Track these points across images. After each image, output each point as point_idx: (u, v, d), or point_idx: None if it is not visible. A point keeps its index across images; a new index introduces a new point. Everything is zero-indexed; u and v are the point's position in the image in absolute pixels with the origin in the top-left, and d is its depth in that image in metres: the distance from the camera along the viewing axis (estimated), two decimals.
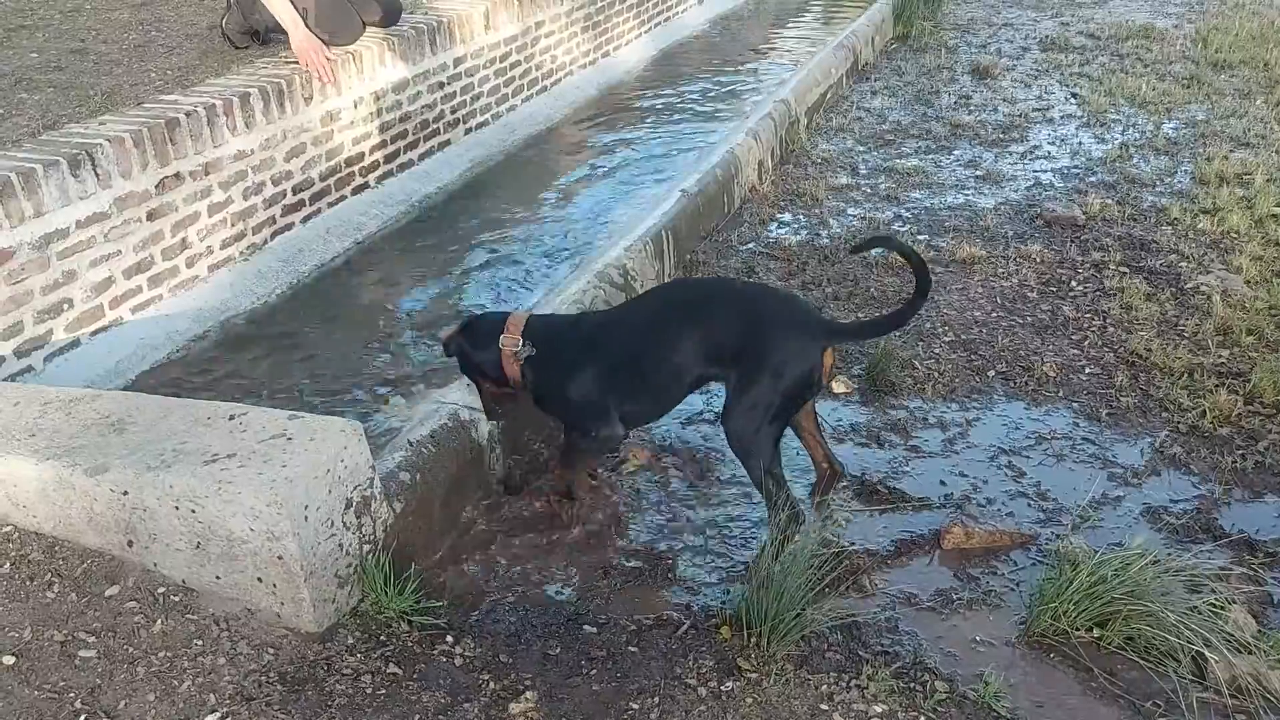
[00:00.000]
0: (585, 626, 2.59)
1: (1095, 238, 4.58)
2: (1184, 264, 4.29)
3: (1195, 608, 2.40)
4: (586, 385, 2.87)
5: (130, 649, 2.37)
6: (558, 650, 2.50)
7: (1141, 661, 2.40)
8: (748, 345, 2.72)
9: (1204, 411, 3.35)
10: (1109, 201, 4.92)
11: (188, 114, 3.83)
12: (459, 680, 2.39)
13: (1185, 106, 6.23)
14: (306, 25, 4.45)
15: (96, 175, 3.50)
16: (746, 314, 2.77)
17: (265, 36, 4.68)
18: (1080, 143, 5.77)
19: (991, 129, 5.99)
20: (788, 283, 4.30)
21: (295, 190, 4.42)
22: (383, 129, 4.90)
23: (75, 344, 3.53)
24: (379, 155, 4.92)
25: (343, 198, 4.71)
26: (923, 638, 2.51)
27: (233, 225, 4.12)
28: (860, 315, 4.02)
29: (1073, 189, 5.13)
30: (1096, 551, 2.54)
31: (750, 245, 4.66)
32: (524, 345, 2.91)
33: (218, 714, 2.23)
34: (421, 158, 5.22)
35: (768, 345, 2.71)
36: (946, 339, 3.86)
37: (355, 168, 4.77)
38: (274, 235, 4.35)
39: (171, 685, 2.29)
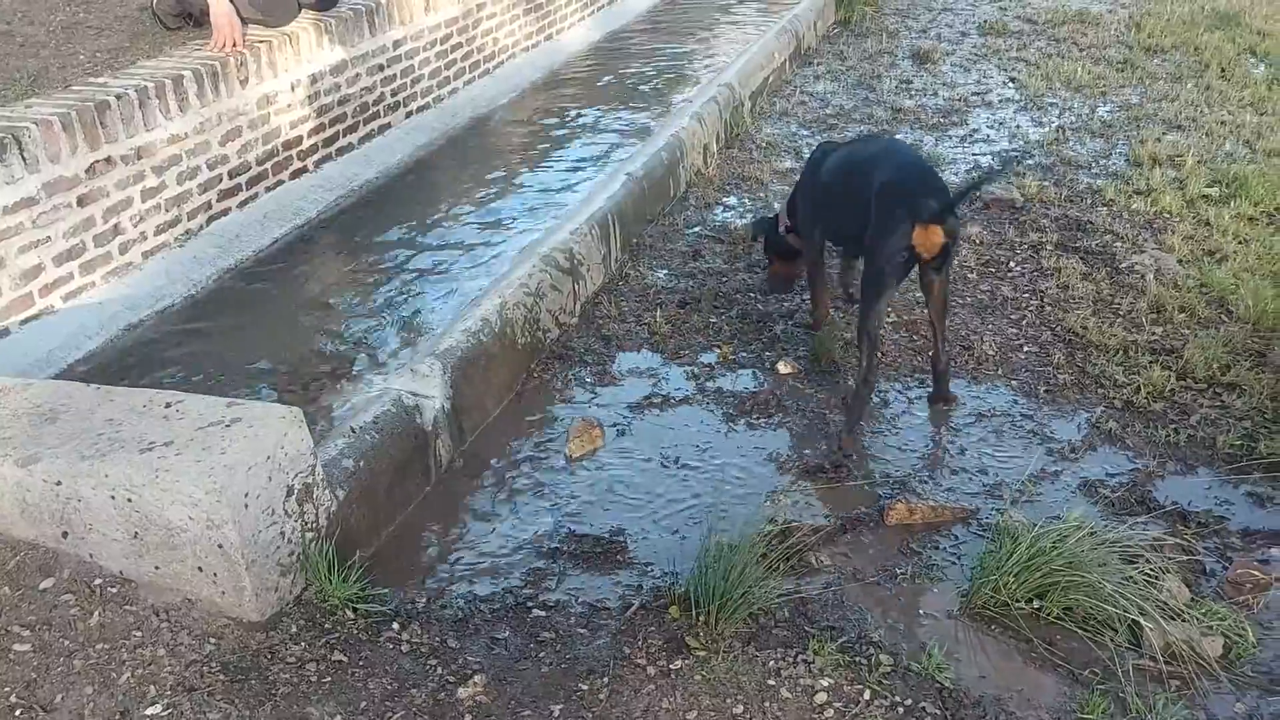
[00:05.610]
0: (534, 609, 2.58)
1: (1033, 219, 4.65)
2: (1119, 244, 4.38)
3: (1131, 578, 2.46)
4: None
5: (66, 642, 2.32)
6: (506, 634, 2.49)
7: (1079, 631, 2.46)
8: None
9: (1138, 387, 3.42)
10: (1046, 184, 5.00)
11: (118, 97, 3.73)
12: (405, 666, 2.37)
13: (1119, 90, 6.35)
14: (240, 6, 4.37)
15: (24, 159, 3.40)
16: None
17: (199, 18, 4.57)
18: (1018, 126, 5.85)
19: (932, 113, 6.05)
20: (733, 266, 4.32)
21: (231, 175, 4.34)
22: (320, 112, 4.82)
23: (4, 333, 3.44)
24: (317, 139, 4.84)
25: (280, 182, 4.63)
26: (868, 612, 2.55)
27: (167, 211, 4.03)
28: (805, 298, 4.05)
29: (1011, 171, 5.20)
30: (1035, 525, 2.58)
31: (696, 229, 4.67)
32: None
33: (158, 706, 2.19)
34: (361, 141, 5.15)
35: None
36: (889, 320, 3.90)
37: (293, 151, 4.69)
38: (210, 221, 4.26)
39: (110, 678, 2.25)
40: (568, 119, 5.84)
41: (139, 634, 2.35)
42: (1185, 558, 2.70)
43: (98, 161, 3.68)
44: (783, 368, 3.62)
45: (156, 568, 2.43)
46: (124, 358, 3.58)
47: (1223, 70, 6.60)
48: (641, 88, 6.36)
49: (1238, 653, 2.42)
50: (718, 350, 3.74)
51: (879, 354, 3.36)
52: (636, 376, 3.61)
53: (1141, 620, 2.39)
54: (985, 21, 7.94)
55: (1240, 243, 4.32)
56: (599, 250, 4.15)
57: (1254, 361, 3.53)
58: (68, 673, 2.25)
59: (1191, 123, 5.74)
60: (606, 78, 6.57)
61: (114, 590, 2.44)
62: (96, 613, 2.39)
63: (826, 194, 3.58)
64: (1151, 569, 2.52)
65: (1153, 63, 6.85)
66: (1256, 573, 2.63)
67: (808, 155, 4.00)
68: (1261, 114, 5.82)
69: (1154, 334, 3.73)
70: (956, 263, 4.31)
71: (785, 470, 3.13)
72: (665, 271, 4.30)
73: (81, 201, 3.64)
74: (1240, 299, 3.85)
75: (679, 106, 5.71)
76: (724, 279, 4.22)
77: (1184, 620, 2.43)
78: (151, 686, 2.23)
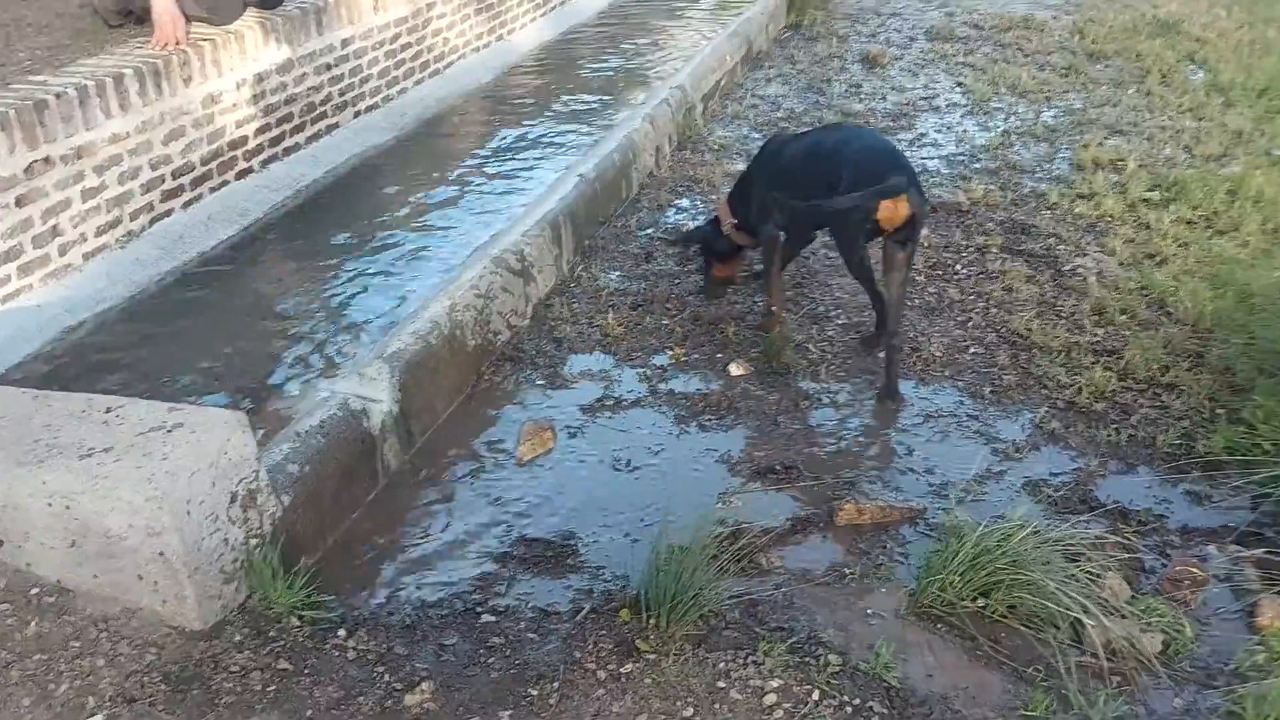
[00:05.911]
0: (483, 615, 2.57)
1: (979, 222, 4.71)
2: (1062, 247, 4.45)
3: (1073, 576, 2.50)
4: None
5: (3, 653, 2.27)
6: (455, 640, 2.48)
7: (1023, 628, 2.49)
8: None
9: (1080, 388, 3.48)
10: (992, 187, 5.07)
11: (58, 95, 3.65)
12: (352, 674, 2.34)
13: (1063, 95, 6.46)
14: (183, 3, 4.29)
15: None
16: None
17: (141, 16, 4.48)
18: (965, 130, 5.93)
19: (881, 117, 6.10)
20: (685, 268, 4.32)
21: (175, 175, 4.26)
22: (266, 112, 4.75)
23: None
24: (263, 139, 4.77)
25: (225, 183, 4.56)
26: (817, 612, 2.56)
27: (108, 211, 3.95)
28: (757, 300, 4.07)
29: (957, 175, 5.27)
30: (980, 524, 2.61)
31: (649, 231, 4.67)
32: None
33: (98, 717, 2.15)
34: (308, 141, 5.08)
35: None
36: (839, 321, 3.93)
37: (238, 151, 4.62)
38: (152, 222, 4.18)
39: (48, 689, 2.20)
40: (519, 119, 5.81)
41: (77, 644, 2.30)
42: (1126, 555, 2.75)
43: (36, 161, 3.59)
44: (735, 369, 3.64)
45: (95, 576, 2.38)
46: (63, 362, 3.50)
47: (1163, 77, 6.74)
48: (594, 88, 6.35)
49: (1176, 648, 2.47)
50: (670, 352, 3.75)
51: (874, 279, 3.53)
52: (588, 379, 3.61)
53: (1083, 617, 2.43)
54: (932, 27, 8.04)
55: (1180, 246, 4.41)
56: (550, 252, 4.13)
57: (1192, 362, 3.61)
58: (4, 684, 2.20)
59: (1133, 128, 5.86)
60: (558, 78, 6.55)
61: (51, 600, 2.39)
62: (33, 623, 2.33)
63: (790, 182, 3.59)
64: (1093, 567, 2.57)
65: (1096, 69, 6.98)
66: (1194, 570, 2.69)
67: (760, 147, 4.04)
68: (1200, 119, 5.94)
69: (1096, 335, 3.80)
70: None
71: (737, 472, 3.14)
72: (618, 273, 4.30)
73: (19, 202, 3.56)
74: (1179, 301, 3.93)
75: (631, 108, 5.71)
76: (676, 281, 4.23)
77: (1124, 617, 2.48)
78: (90, 697, 2.19)
